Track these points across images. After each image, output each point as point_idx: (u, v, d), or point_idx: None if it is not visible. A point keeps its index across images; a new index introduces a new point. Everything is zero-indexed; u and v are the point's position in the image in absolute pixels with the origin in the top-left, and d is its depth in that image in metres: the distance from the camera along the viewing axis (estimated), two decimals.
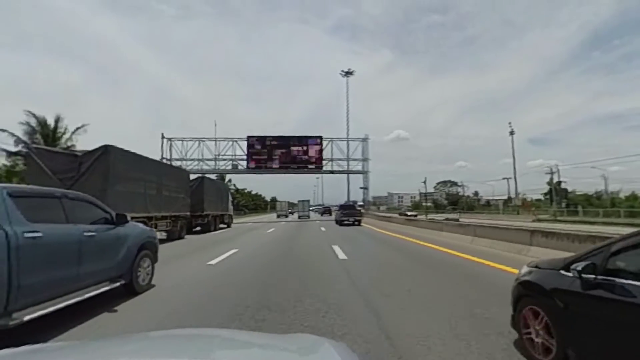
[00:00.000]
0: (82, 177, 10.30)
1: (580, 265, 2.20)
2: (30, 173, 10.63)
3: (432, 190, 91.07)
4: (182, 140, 34.55)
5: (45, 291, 3.40)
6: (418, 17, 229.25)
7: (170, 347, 1.27)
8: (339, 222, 25.43)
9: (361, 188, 38.26)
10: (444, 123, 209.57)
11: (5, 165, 25.85)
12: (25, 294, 3.17)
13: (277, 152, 34.23)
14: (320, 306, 4.20)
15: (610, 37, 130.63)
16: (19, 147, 25.42)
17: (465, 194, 77.84)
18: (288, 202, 54.08)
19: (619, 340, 2.01)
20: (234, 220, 27.81)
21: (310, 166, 34.81)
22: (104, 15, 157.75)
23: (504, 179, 63.18)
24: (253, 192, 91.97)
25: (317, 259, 8.28)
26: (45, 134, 26.99)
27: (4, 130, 25.21)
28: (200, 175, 21.67)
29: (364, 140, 36.22)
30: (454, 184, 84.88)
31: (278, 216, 46.65)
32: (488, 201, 75.90)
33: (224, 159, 34.82)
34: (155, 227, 11.94)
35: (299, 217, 43.12)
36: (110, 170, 10.52)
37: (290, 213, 50.91)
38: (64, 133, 28.23)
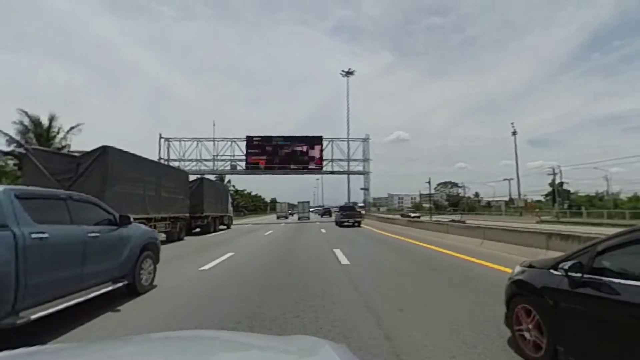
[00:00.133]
0: (80, 178, 10.38)
1: (567, 265, 2.35)
2: (28, 174, 10.69)
3: (432, 191, 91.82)
4: (180, 141, 34.66)
5: (51, 291, 3.54)
6: (418, 19, 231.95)
7: (169, 349, 1.29)
8: (339, 224, 25.68)
9: (362, 189, 38.40)
10: (444, 124, 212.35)
11: None
12: (32, 294, 3.31)
13: (277, 153, 34.32)
14: (322, 323, 3.75)
15: (609, 38, 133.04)
16: (12, 147, 25.42)
17: (466, 195, 78.16)
18: (288, 204, 54.46)
19: (604, 336, 2.15)
20: (234, 222, 28.01)
21: (310, 167, 34.88)
22: (104, 17, 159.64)
23: (505, 179, 63.74)
24: (253, 193, 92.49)
25: (317, 265, 7.80)
26: (38, 134, 26.88)
27: None
28: (199, 176, 21.85)
29: (365, 140, 36.27)
30: (455, 185, 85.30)
31: (278, 217, 47.13)
32: (489, 202, 76.50)
33: (223, 160, 34.93)
34: (154, 229, 12.08)
35: (299, 218, 43.52)
36: (108, 171, 10.60)
37: (290, 214, 51.30)
38: (58, 133, 28.14)
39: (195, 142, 34.55)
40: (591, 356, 2.26)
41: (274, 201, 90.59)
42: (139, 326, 3.80)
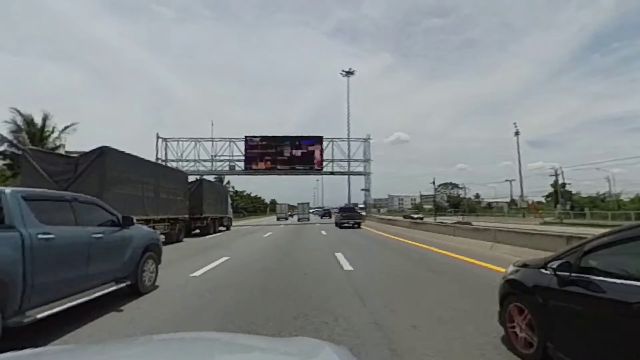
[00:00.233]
0: (78, 179, 10.46)
1: (555, 264, 2.50)
2: (25, 175, 10.80)
3: (433, 192, 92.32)
4: (178, 141, 34.76)
5: (57, 290, 3.69)
6: (418, 20, 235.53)
7: (170, 350, 1.31)
8: (339, 225, 26.00)
9: (362, 190, 38.46)
10: (444, 125, 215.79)
11: None
12: (38, 293, 3.46)
13: (276, 153, 34.40)
14: None
15: (609, 40, 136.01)
16: (4, 146, 25.28)
17: (467, 197, 78.49)
18: (288, 205, 54.91)
19: (591, 332, 2.28)
20: (233, 223, 28.21)
21: (310, 167, 34.98)
22: (104, 18, 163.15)
23: (506, 180, 64.19)
24: (252, 195, 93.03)
25: (318, 271, 7.30)
26: (31, 133, 26.56)
27: None
28: (198, 177, 22.01)
29: (366, 140, 36.36)
30: (455, 186, 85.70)
31: (278, 219, 47.74)
32: (489, 203, 77.01)
33: (221, 160, 35.04)
34: None
35: (299, 219, 44.01)
36: (106, 172, 10.70)
37: (290, 215, 51.72)
38: (52, 132, 27.82)
39: (193, 143, 34.70)
40: (579, 352, 2.40)
41: (273, 202, 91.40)
42: None
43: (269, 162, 34.42)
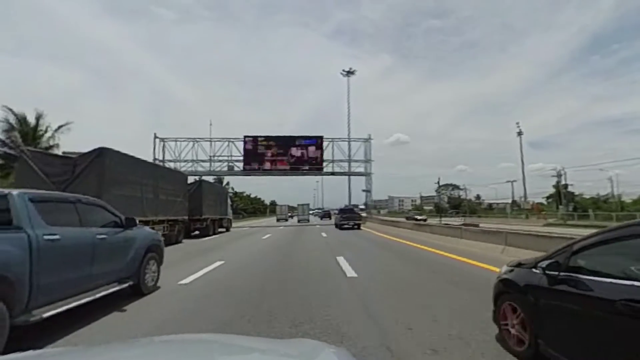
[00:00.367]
0: (76, 180, 10.58)
1: (544, 263, 2.65)
2: (23, 176, 10.84)
3: (433, 193, 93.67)
4: (176, 141, 34.87)
5: (62, 290, 3.85)
6: (417, 22, 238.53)
7: (170, 352, 1.34)
8: (339, 226, 26.35)
9: (363, 191, 38.63)
10: (444, 127, 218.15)
11: None
12: (44, 293, 3.61)
13: (276, 153, 34.52)
14: None
15: (608, 41, 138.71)
16: None
17: (467, 198, 78.82)
18: (288, 206, 55.37)
19: (580, 330, 2.43)
20: (233, 224, 28.43)
21: (310, 167, 35.06)
22: (104, 20, 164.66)
23: (507, 181, 64.53)
24: (252, 196, 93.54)
25: (318, 278, 6.81)
26: (24, 132, 26.45)
27: None
28: (199, 178, 22.18)
29: (367, 140, 36.52)
30: (456, 187, 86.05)
31: (278, 220, 48.39)
32: (490, 205, 77.45)
33: (220, 160, 35.15)
34: None
35: (299, 220, 44.40)
36: (105, 173, 10.81)
37: (290, 217, 52.14)
38: (45, 131, 27.73)
39: (191, 143, 34.84)
40: (568, 349, 2.55)
41: (273, 204, 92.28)
42: None
43: (268, 163, 34.55)
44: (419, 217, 48.25)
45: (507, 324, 3.13)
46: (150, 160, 24.66)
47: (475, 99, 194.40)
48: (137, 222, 5.30)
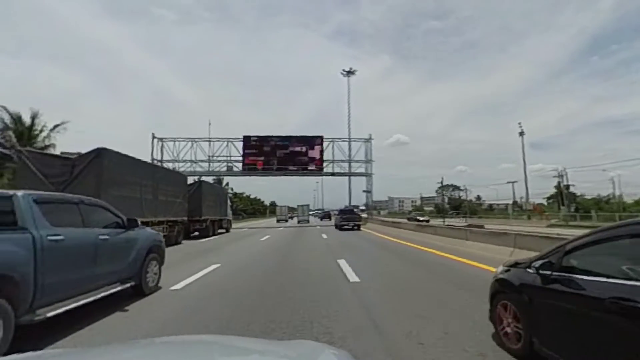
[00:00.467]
0: (74, 181, 10.64)
1: (538, 263, 2.77)
2: (21, 176, 11.00)
3: (433, 194, 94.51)
4: (174, 141, 34.84)
5: (65, 290, 3.97)
6: (417, 23, 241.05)
7: (170, 353, 1.36)
8: (339, 227, 26.74)
9: (364, 191, 38.69)
10: (444, 127, 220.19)
11: None
12: (48, 293, 3.73)
13: (275, 153, 34.49)
14: None
15: (608, 42, 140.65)
16: None
17: (468, 198, 79.14)
18: (288, 207, 55.85)
19: (572, 327, 2.54)
20: (232, 225, 28.63)
21: (310, 168, 35.05)
22: (104, 21, 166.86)
23: (508, 182, 64.86)
24: (251, 197, 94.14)
25: (319, 284, 6.45)
26: (19, 131, 26.31)
27: None
28: (197, 178, 22.32)
29: (367, 140, 36.52)
30: (456, 188, 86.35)
31: (278, 221, 49.02)
32: (490, 205, 77.89)
33: (219, 161, 35.14)
34: None
35: (299, 221, 44.90)
36: (103, 174, 10.88)
37: (290, 218, 52.58)
38: (41, 131, 27.61)
39: (190, 143, 34.79)
40: (561, 346, 2.66)
41: (273, 204, 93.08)
42: None
43: (267, 163, 34.51)
44: (421, 218, 48.07)
45: (502, 323, 3.24)
46: (148, 160, 24.81)
47: (475, 100, 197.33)
48: (139, 222, 5.41)
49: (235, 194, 73.07)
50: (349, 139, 36.95)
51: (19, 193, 3.77)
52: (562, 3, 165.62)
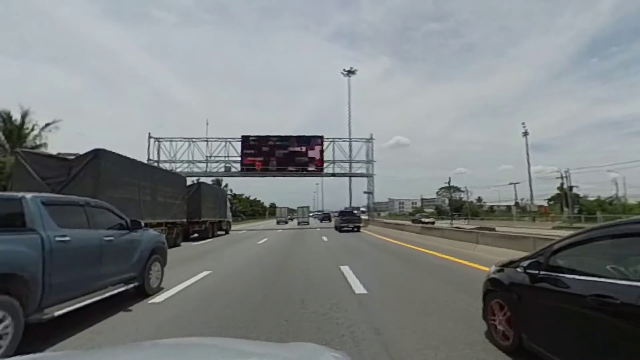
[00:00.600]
0: (71, 182, 10.78)
1: (526, 263, 2.99)
2: (18, 177, 11.12)
3: (433, 196, 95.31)
4: (171, 141, 34.74)
5: (72, 290, 4.19)
6: (417, 25, 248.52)
7: (170, 355, 1.41)
8: (339, 229, 27.31)
9: (365, 192, 38.78)
10: (444, 129, 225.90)
11: None
12: (56, 292, 3.95)
13: (274, 153, 34.47)
14: None
15: (607, 44, 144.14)
16: None
17: (469, 200, 79.54)
18: (288, 209, 56.37)
19: (559, 324, 2.75)
20: (232, 227, 28.98)
21: (310, 168, 35.02)
22: (105, 24, 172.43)
23: (510, 184, 65.37)
24: (251, 198, 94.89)
25: (320, 296, 5.84)
26: (8, 130, 26.34)
27: None
28: (197, 180, 22.57)
29: (369, 140, 36.54)
30: (457, 189, 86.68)
31: (278, 222, 49.74)
32: (491, 207, 78.44)
33: (217, 161, 35.09)
34: None
35: (299, 223, 45.44)
36: (101, 175, 11.03)
37: (290, 219, 53.14)
38: (32, 130, 27.58)
39: (187, 143, 34.68)
40: (548, 342, 2.87)
41: (273, 206, 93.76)
42: None
43: (266, 163, 34.46)
44: (426, 220, 47.86)
45: (494, 320, 3.47)
46: (144, 161, 25.02)
47: (475, 102, 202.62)
48: (143, 224, 5.65)
49: (234, 196, 73.64)
50: (350, 138, 36.97)
51: (28, 195, 3.99)
52: (562, 5, 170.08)
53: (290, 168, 34.90)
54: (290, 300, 5.60)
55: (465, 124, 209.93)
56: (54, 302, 3.96)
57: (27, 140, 27.09)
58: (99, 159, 11.11)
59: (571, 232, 3.20)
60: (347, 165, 36.40)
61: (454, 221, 49.36)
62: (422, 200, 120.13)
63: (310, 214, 59.00)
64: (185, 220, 17.24)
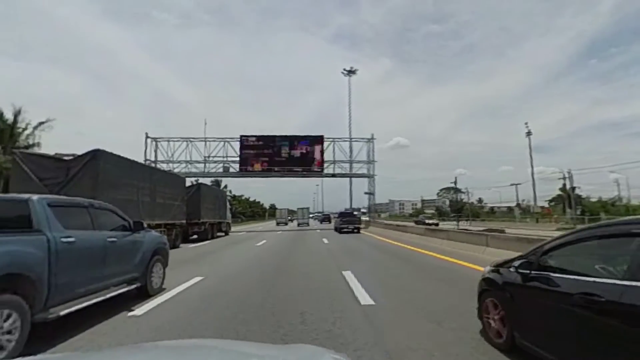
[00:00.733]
0: (69, 183, 10.91)
1: (517, 262, 3.17)
2: (15, 179, 11.23)
3: (434, 197, 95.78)
4: (169, 141, 34.73)
5: (76, 290, 4.37)
6: (417, 26, 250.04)
7: (168, 357, 1.44)
8: (339, 230, 27.84)
9: (366, 193, 38.80)
10: (444, 130, 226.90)
11: None
12: (61, 292, 4.12)
13: (273, 154, 34.48)
14: None
15: (606, 45, 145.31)
16: None
17: (470, 201, 79.78)
18: (288, 210, 56.87)
19: (549, 322, 2.92)
20: (231, 228, 29.25)
21: (310, 169, 35.04)
22: (106, 25, 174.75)
23: (512, 184, 65.86)
24: (250, 199, 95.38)
25: (322, 307, 5.32)
26: (0, 129, 26.13)
27: None
28: (196, 181, 22.77)
29: (370, 140, 36.55)
30: (458, 190, 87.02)
31: (278, 223, 50.08)
32: (492, 208, 79.01)
33: (215, 162, 35.06)
34: None
35: (299, 224, 45.85)
36: (99, 176, 11.15)
37: (289, 220, 53.60)
38: (25, 128, 27.37)
39: (185, 143, 34.62)
40: (539, 339, 3.03)
41: (272, 207, 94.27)
42: None
43: (265, 163, 34.38)
44: (429, 221, 47.68)
45: (488, 319, 3.65)
46: (141, 161, 25.15)
47: (475, 103, 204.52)
48: (145, 225, 5.84)
49: (233, 197, 74.09)
50: (350, 138, 36.99)
51: (34, 197, 4.18)
52: (561, 6, 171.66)
53: (290, 168, 34.85)
54: (288, 313, 5.03)
55: (465, 125, 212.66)
56: (59, 302, 4.14)
57: (20, 140, 26.96)
58: (97, 160, 11.22)
59: (562, 232, 3.37)
60: (347, 165, 36.45)
61: (459, 222, 49.44)
62: (423, 201, 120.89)
63: (310, 215, 59.50)
64: (184, 221, 17.43)
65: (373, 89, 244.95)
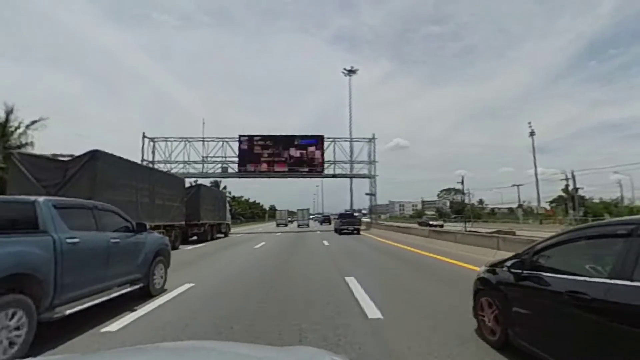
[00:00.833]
0: (67, 184, 10.97)
1: (509, 262, 3.34)
2: (13, 180, 11.31)
3: (434, 198, 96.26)
4: (166, 141, 34.86)
5: (81, 290, 4.54)
6: (416, 28, 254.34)
7: (169, 358, 1.47)
8: (338, 231, 28.25)
9: (367, 194, 38.91)
10: (444, 131, 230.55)
11: None
12: (66, 292, 4.29)
13: (273, 154, 34.60)
14: None
15: (605, 47, 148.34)
16: None
17: (471, 202, 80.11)
18: (287, 211, 57.24)
19: (541, 320, 3.09)
20: (231, 229, 29.50)
21: (310, 169, 35.13)
22: (106, 27, 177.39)
23: (513, 185, 66.25)
24: (250, 200, 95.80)
25: (324, 322, 4.75)
26: None
27: None
28: (194, 182, 22.95)
29: (370, 140, 36.73)
30: (458, 191, 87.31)
31: (278, 225, 50.40)
32: (493, 209, 79.46)
33: (214, 162, 35.14)
34: None
35: (299, 225, 46.28)
36: (97, 177, 11.24)
37: (289, 222, 53.92)
38: (18, 127, 27.06)
39: (183, 143, 34.74)
40: (531, 336, 3.20)
41: (272, 208, 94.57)
42: None
43: (265, 164, 34.46)
44: (434, 223, 47.57)
45: (483, 317, 3.83)
46: (138, 161, 25.21)
47: (475, 104, 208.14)
48: (148, 226, 6.03)
49: (233, 198, 74.46)
50: (351, 138, 37.13)
51: (40, 199, 4.36)
52: (561, 8, 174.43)
53: (290, 169, 34.90)
54: (285, 328, 4.50)
55: (465, 126, 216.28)
56: (64, 302, 4.30)
57: (12, 139, 26.72)
58: (95, 160, 11.31)
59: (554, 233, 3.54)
60: (347, 166, 36.58)
61: (459, 223, 49.47)
62: (423, 202, 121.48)
63: (311, 217, 59.94)
64: (183, 222, 17.62)
65: (373, 91, 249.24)
